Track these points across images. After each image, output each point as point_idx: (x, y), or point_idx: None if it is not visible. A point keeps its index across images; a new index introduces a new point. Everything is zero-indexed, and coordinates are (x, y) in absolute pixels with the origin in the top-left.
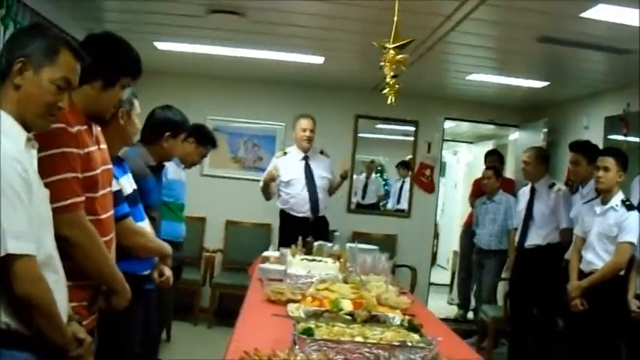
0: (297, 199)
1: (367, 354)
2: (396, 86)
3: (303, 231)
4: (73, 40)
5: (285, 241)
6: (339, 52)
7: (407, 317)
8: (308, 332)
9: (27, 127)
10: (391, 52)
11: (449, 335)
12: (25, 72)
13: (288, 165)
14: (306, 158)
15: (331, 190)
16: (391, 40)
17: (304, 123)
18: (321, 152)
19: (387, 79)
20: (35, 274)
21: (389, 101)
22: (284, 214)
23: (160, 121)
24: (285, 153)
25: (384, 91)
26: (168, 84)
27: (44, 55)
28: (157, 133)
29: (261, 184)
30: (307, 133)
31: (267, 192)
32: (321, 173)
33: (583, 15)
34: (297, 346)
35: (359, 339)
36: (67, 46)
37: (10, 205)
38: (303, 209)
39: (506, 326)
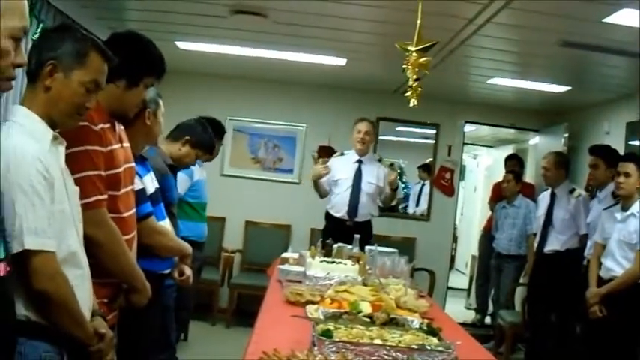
0: (338, 200)
1: (386, 356)
2: (419, 89)
3: (344, 234)
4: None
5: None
6: (361, 54)
7: (426, 320)
8: (327, 334)
9: (53, 125)
10: (414, 54)
11: (467, 339)
12: (56, 74)
13: (341, 165)
14: (359, 162)
15: (384, 202)
16: (414, 43)
17: (360, 126)
18: (379, 160)
19: (410, 82)
20: (53, 270)
21: (411, 104)
22: (328, 214)
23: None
24: (343, 154)
25: (407, 94)
26: (189, 84)
27: (74, 57)
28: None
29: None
30: (361, 135)
31: (317, 189)
32: (371, 180)
33: (605, 20)
34: (315, 348)
35: (378, 341)
36: (96, 48)
37: (29, 202)
38: (341, 211)
39: (523, 331)
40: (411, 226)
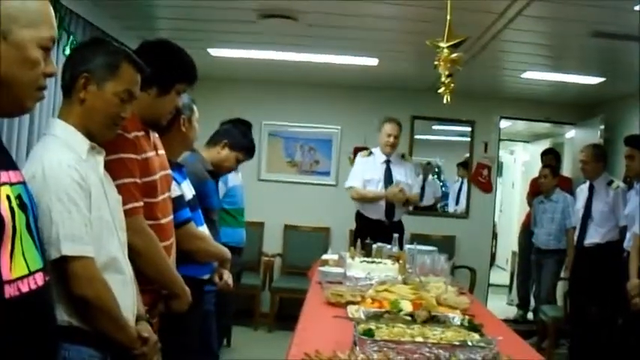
0: (373, 202)
1: (428, 354)
2: (452, 85)
3: (378, 234)
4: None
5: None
6: (393, 53)
7: (467, 317)
8: (368, 333)
9: (91, 137)
10: (445, 51)
11: (509, 335)
12: (89, 86)
13: (370, 166)
14: (387, 162)
15: (408, 201)
16: (445, 39)
17: (389, 128)
18: (403, 156)
19: (442, 79)
20: (92, 275)
21: (444, 101)
22: (359, 216)
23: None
24: (371, 153)
25: (440, 91)
26: (223, 90)
27: (107, 69)
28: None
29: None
30: (391, 140)
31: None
32: (401, 178)
33: (637, 8)
34: (357, 348)
35: (419, 339)
36: (127, 59)
37: (65, 209)
38: (377, 213)
39: (566, 326)
40: (450, 224)
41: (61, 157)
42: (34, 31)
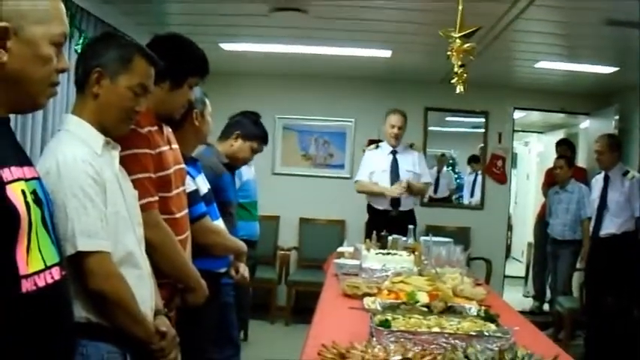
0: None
1: (444, 344)
2: (465, 75)
3: (388, 225)
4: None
5: (371, 235)
6: (406, 45)
7: (483, 308)
8: (385, 324)
9: (105, 132)
10: (457, 41)
11: (526, 325)
12: (102, 81)
13: (377, 158)
14: (393, 152)
15: (412, 191)
16: (457, 29)
17: (393, 119)
18: (411, 146)
19: (455, 69)
20: (108, 270)
21: (457, 91)
22: (369, 208)
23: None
24: (378, 146)
25: (453, 81)
26: (236, 85)
27: (119, 63)
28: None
29: (356, 187)
30: (395, 130)
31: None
32: (408, 167)
33: None
34: (374, 338)
35: (436, 330)
36: (140, 53)
37: (80, 205)
38: (384, 202)
39: (582, 317)
40: (465, 215)
41: (76, 153)
42: (45, 27)
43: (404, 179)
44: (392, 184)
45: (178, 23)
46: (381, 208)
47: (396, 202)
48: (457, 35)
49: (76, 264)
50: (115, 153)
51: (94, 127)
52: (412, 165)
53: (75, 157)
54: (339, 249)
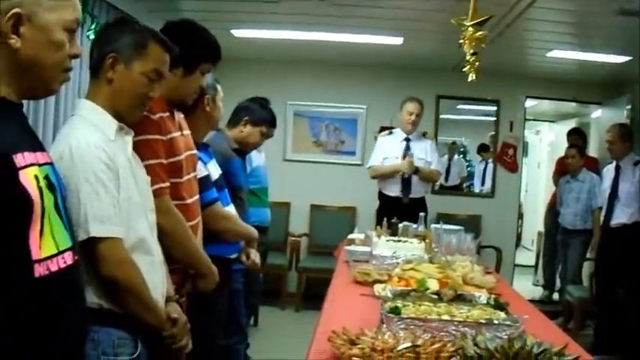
0: (390, 178)
1: (454, 332)
2: (477, 64)
3: (399, 212)
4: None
5: (381, 222)
6: (418, 32)
7: (493, 296)
8: (395, 311)
9: (119, 118)
10: (470, 29)
11: (535, 314)
12: (117, 66)
13: (389, 144)
14: (407, 140)
15: (423, 178)
16: (469, 17)
17: (411, 106)
18: (424, 134)
19: (467, 57)
20: (120, 256)
21: (470, 78)
22: (381, 195)
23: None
24: (391, 132)
25: (465, 69)
26: (247, 71)
27: (134, 48)
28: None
29: (370, 173)
30: (413, 117)
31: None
32: (420, 155)
33: None
34: (384, 325)
35: (446, 317)
36: (155, 39)
37: (93, 190)
38: (395, 189)
39: (592, 307)
40: (476, 203)
41: (89, 138)
42: (58, 13)
43: (412, 154)
44: (403, 174)
45: (190, 10)
46: (392, 194)
47: (406, 188)
48: (469, 23)
49: (89, 249)
50: (128, 138)
51: (107, 112)
52: (424, 153)
53: (88, 143)
54: (350, 236)
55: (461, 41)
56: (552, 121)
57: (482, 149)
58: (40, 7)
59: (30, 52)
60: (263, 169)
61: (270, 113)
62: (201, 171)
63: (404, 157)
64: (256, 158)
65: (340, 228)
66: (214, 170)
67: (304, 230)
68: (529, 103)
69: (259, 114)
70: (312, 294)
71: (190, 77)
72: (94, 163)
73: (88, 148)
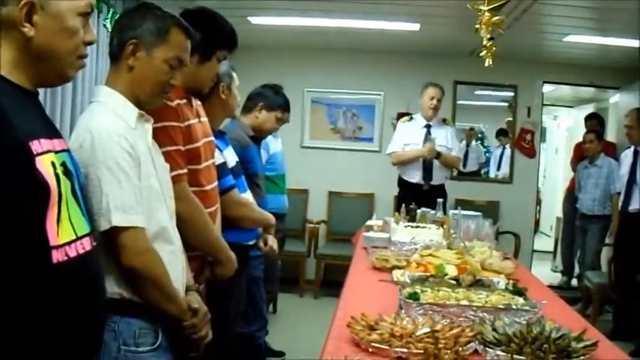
0: (411, 165)
1: (472, 317)
2: (493, 49)
3: (419, 198)
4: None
5: (400, 208)
6: (434, 18)
7: (511, 281)
8: (414, 297)
9: (139, 105)
10: (486, 14)
11: (554, 299)
12: (138, 53)
13: (410, 131)
14: (428, 126)
15: (445, 163)
16: (485, 2)
17: (432, 92)
18: (444, 120)
19: (484, 42)
20: (142, 246)
21: (486, 64)
22: (401, 181)
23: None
24: (411, 119)
25: (482, 54)
26: (264, 59)
27: (155, 35)
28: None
29: (392, 159)
30: (434, 102)
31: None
32: (441, 142)
33: None
34: (403, 311)
35: (464, 302)
36: (177, 25)
37: (115, 179)
38: (416, 176)
39: (610, 293)
40: (494, 189)
41: (110, 126)
42: (70, 0)
43: (434, 140)
44: (425, 158)
45: None
46: (413, 181)
47: (428, 174)
48: (486, 8)
49: (110, 239)
50: (148, 126)
51: (127, 99)
52: (445, 140)
53: (109, 131)
54: (368, 222)
55: (477, 26)
56: (570, 106)
57: (501, 133)
58: None
59: (44, 40)
60: (280, 155)
61: (283, 98)
62: (217, 158)
63: (424, 144)
64: (273, 145)
65: (358, 214)
66: (231, 157)
67: (322, 217)
68: (546, 88)
69: (273, 99)
70: (331, 281)
71: (206, 65)
72: (115, 151)
73: (109, 136)
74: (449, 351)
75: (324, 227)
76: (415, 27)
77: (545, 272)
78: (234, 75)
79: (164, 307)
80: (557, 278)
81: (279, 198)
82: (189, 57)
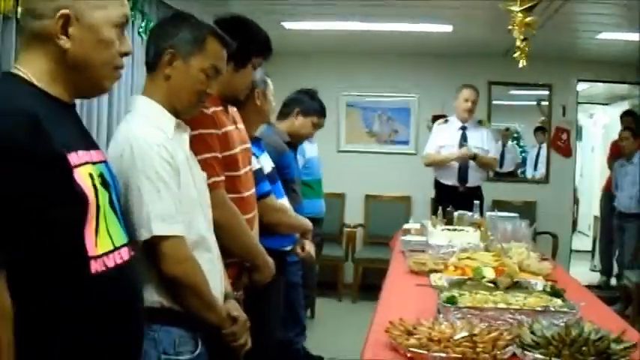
0: (447, 167)
1: (510, 320)
2: (527, 49)
3: (455, 200)
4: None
5: (437, 211)
6: (466, 19)
7: (549, 283)
8: (451, 301)
9: (175, 114)
10: (519, 14)
11: (592, 300)
12: (175, 62)
13: (446, 133)
14: (463, 128)
15: (481, 164)
16: (518, 3)
17: (467, 93)
18: (480, 122)
19: (517, 43)
20: (182, 254)
21: (520, 65)
22: (437, 183)
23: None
24: (447, 121)
25: (515, 55)
26: (298, 64)
27: (192, 44)
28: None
29: (424, 161)
30: (469, 104)
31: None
32: (477, 144)
33: None
34: (441, 315)
35: (502, 305)
36: (213, 34)
37: (154, 189)
38: (451, 178)
39: None
40: (530, 189)
41: (150, 136)
42: (105, 11)
43: (469, 147)
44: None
45: (241, 4)
46: (449, 183)
47: (463, 176)
48: (518, 9)
49: (151, 248)
50: (186, 136)
51: (165, 108)
52: (481, 141)
53: (149, 141)
54: (405, 226)
55: (510, 27)
56: (606, 104)
57: (540, 129)
58: (88, 6)
59: (80, 52)
60: (316, 160)
61: (319, 103)
62: (253, 164)
63: (460, 146)
64: (309, 150)
65: (395, 218)
66: (266, 163)
67: (360, 221)
68: (581, 86)
69: (310, 104)
70: (369, 285)
71: (242, 72)
72: (155, 160)
73: (149, 146)
74: (487, 355)
75: (361, 231)
76: (448, 28)
77: (584, 272)
78: (269, 81)
79: (204, 315)
80: (595, 278)
81: (315, 203)
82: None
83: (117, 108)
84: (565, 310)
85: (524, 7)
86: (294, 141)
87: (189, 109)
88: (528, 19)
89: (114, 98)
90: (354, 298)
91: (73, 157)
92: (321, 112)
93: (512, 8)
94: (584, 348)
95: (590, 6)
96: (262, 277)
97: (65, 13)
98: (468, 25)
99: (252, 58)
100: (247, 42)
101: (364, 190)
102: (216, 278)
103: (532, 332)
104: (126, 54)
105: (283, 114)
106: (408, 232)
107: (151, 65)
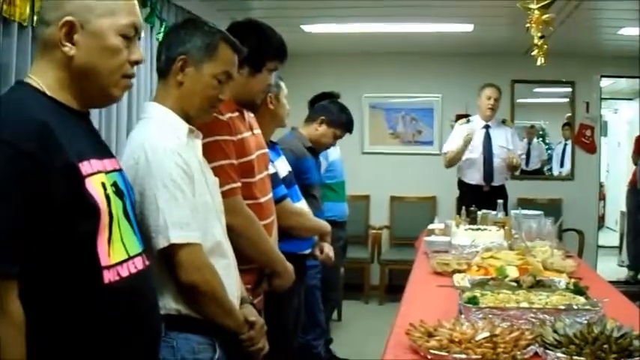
0: (471, 166)
1: (533, 319)
2: (545, 47)
3: (480, 200)
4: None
5: (460, 211)
6: (487, 18)
7: (573, 280)
8: (473, 301)
9: (188, 120)
10: (536, 12)
11: (616, 297)
12: (187, 69)
13: (466, 132)
14: (487, 127)
15: (508, 167)
16: (535, 0)
17: (489, 92)
18: (503, 121)
19: (535, 41)
20: (200, 262)
21: (538, 62)
22: (460, 183)
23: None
24: (469, 121)
25: (533, 53)
26: (319, 66)
27: (204, 51)
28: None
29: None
30: (491, 102)
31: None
32: (501, 143)
33: None
34: (463, 316)
35: (524, 305)
36: (225, 40)
37: (171, 196)
38: (476, 177)
39: None
40: (555, 187)
41: (165, 143)
42: (112, 19)
43: (515, 155)
44: (485, 160)
45: (259, 7)
46: (473, 182)
47: (489, 176)
48: (535, 6)
49: (168, 256)
50: (198, 142)
51: (177, 114)
52: (505, 141)
53: (164, 148)
54: (430, 226)
55: (528, 25)
56: (630, 99)
57: (567, 125)
58: (93, 14)
59: (85, 59)
60: (339, 163)
61: (347, 117)
62: (269, 169)
63: (485, 146)
64: (332, 152)
65: (421, 218)
66: (282, 167)
67: (385, 222)
68: (605, 82)
69: (337, 116)
70: (396, 286)
71: (257, 77)
72: (171, 167)
73: (164, 153)
74: (507, 355)
75: (386, 232)
76: (469, 28)
77: (612, 267)
78: (282, 84)
79: (222, 322)
80: (623, 273)
81: (339, 205)
82: (239, 69)
83: (136, 115)
84: (588, 307)
85: (540, 4)
86: (315, 148)
87: (201, 114)
88: (545, 16)
89: (133, 105)
90: (381, 300)
91: (85, 166)
92: (346, 127)
93: (530, 6)
94: (605, 346)
95: (610, 2)
96: (282, 282)
97: (69, 20)
98: (488, 24)
99: (267, 62)
100: (262, 46)
101: (389, 191)
102: (231, 284)
103: (554, 331)
104: (137, 62)
105: (310, 118)
106: (432, 232)
107: (163, 71)
